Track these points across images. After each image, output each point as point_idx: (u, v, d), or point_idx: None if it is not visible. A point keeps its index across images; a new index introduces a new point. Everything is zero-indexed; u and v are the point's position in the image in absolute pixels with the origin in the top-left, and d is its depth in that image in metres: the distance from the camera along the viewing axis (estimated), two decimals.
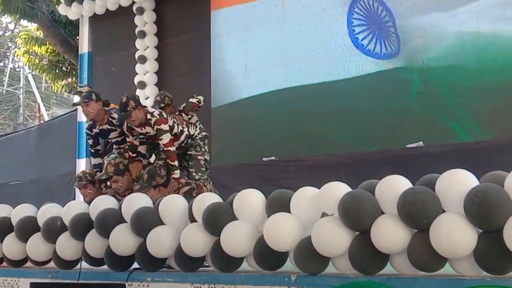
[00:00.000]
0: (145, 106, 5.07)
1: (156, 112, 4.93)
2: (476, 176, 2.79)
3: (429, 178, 2.90)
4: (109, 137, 5.18)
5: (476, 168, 2.92)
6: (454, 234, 2.65)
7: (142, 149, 5.15)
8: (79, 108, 9.16)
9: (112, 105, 5.30)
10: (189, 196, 4.49)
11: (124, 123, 4.96)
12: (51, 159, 10.00)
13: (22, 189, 10.18)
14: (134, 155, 5.09)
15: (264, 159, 7.02)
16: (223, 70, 7.61)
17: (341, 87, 6.62)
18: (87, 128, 5.23)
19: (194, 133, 5.21)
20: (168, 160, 4.89)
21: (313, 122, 6.77)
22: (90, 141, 5.24)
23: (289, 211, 3.20)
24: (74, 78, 12.76)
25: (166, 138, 4.89)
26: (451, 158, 5.44)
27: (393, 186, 2.88)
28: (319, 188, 3.18)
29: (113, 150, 5.37)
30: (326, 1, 6.90)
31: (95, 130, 5.16)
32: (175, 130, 5.02)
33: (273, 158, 6.99)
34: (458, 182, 2.74)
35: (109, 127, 5.11)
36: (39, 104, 23.04)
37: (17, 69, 28.20)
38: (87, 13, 9.12)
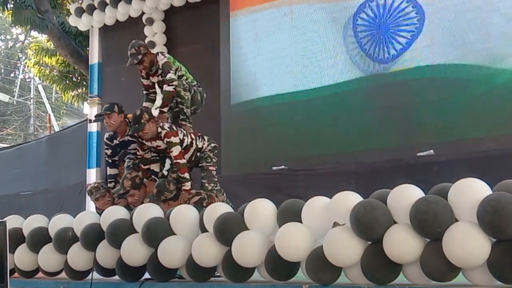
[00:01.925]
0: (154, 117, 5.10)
1: (166, 125, 4.96)
2: (487, 183, 2.77)
3: (442, 187, 2.88)
4: (129, 148, 5.21)
5: (487, 176, 2.90)
6: (467, 243, 2.63)
7: (155, 167, 5.17)
8: (89, 117, 9.34)
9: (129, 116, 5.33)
10: (200, 206, 4.50)
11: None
12: (62, 170, 10.05)
13: (33, 199, 10.22)
14: (146, 167, 5.11)
15: (274, 168, 7.02)
16: (233, 79, 7.63)
17: (351, 95, 6.62)
18: (106, 138, 5.26)
19: (202, 146, 5.21)
20: (178, 173, 4.92)
21: (323, 130, 6.76)
22: (108, 151, 5.26)
23: (300, 221, 3.19)
24: (84, 89, 12.82)
25: (176, 151, 4.92)
26: (462, 166, 5.41)
27: (406, 196, 2.86)
28: (330, 198, 3.17)
29: (126, 161, 5.38)
30: (334, 8, 6.91)
31: (115, 141, 5.19)
32: (185, 143, 5.05)
33: (283, 167, 6.98)
34: (471, 191, 2.72)
35: (130, 139, 5.15)
36: (49, 115, 23.15)
37: (27, 80, 28.40)
38: (97, 24, 9.19)
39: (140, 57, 5.21)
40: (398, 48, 6.32)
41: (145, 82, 5.47)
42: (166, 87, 5.25)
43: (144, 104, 5.52)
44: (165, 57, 5.32)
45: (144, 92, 5.55)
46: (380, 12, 6.50)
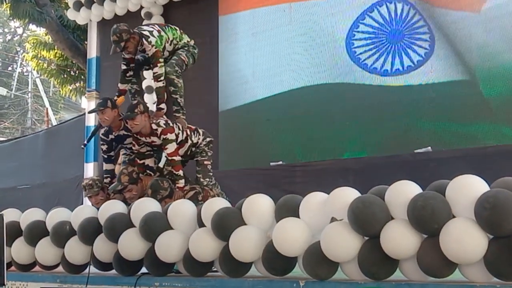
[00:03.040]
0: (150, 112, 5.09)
1: (162, 122, 4.92)
2: (485, 180, 2.78)
3: (439, 183, 2.89)
4: (125, 142, 5.20)
5: (485, 173, 2.91)
6: (464, 240, 2.63)
7: (150, 162, 5.16)
8: (87, 111, 9.33)
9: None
10: (195, 200, 4.50)
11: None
12: (59, 163, 10.03)
13: (31, 193, 10.21)
14: (142, 162, 5.11)
15: (272, 163, 7.02)
16: (231, 74, 7.62)
17: (348, 92, 6.62)
18: (102, 134, 5.24)
19: (197, 141, 5.20)
20: (172, 170, 4.91)
21: (320, 126, 6.76)
22: (104, 147, 5.24)
23: (298, 216, 3.19)
24: (82, 83, 12.81)
25: (171, 148, 4.90)
26: (459, 163, 5.42)
27: (403, 192, 2.87)
28: (327, 193, 3.17)
29: (121, 156, 5.38)
30: (333, 6, 6.89)
31: (111, 136, 5.18)
32: (180, 138, 5.03)
33: (280, 162, 6.98)
34: (468, 188, 2.73)
35: (125, 133, 5.13)
36: (47, 109, 23.11)
37: (25, 74, 28.36)
38: (96, 18, 9.15)
39: (123, 44, 5.12)
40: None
41: (128, 55, 5.33)
42: (156, 84, 5.21)
43: (119, 85, 5.43)
44: (152, 46, 5.16)
45: (123, 67, 5.41)
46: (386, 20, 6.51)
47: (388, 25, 6.45)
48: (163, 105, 5.22)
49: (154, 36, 5.20)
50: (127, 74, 5.44)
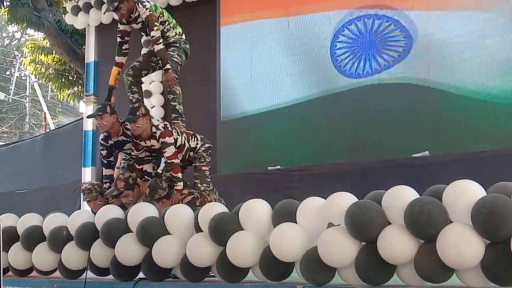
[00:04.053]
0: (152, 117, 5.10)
1: (161, 125, 4.93)
2: (482, 185, 2.78)
3: (436, 188, 2.89)
4: (124, 148, 5.19)
5: (482, 177, 2.91)
6: (461, 245, 2.64)
7: (148, 167, 5.15)
8: (85, 116, 9.33)
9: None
10: (193, 205, 4.50)
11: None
12: (57, 168, 10.02)
13: (28, 197, 10.19)
14: (141, 167, 5.10)
15: (270, 168, 7.02)
16: (229, 80, 7.63)
17: (346, 96, 6.63)
18: (102, 139, 5.23)
19: (195, 146, 5.19)
20: (171, 172, 4.91)
21: (318, 131, 6.77)
22: (104, 152, 5.23)
23: (295, 221, 3.19)
24: (80, 87, 12.80)
25: (170, 151, 4.89)
26: (457, 167, 5.43)
27: (400, 197, 2.87)
28: (325, 198, 3.17)
29: (121, 161, 5.37)
30: (331, 13, 6.92)
31: (110, 142, 5.17)
32: (179, 142, 5.03)
33: (278, 167, 6.99)
34: (465, 193, 2.73)
35: (124, 139, 5.13)
36: (45, 113, 23.10)
37: (23, 78, 28.34)
38: (94, 23, 9.16)
39: (116, 4, 5.19)
40: (390, 60, 6.39)
41: (122, 27, 5.42)
42: (156, 47, 5.27)
43: (116, 58, 5.52)
44: (146, 9, 5.24)
45: (118, 39, 5.48)
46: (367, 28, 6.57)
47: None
48: (168, 66, 5.27)
49: (149, 3, 5.33)
50: (123, 47, 5.53)
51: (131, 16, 5.33)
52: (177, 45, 5.54)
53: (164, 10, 5.54)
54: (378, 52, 6.47)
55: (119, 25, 5.46)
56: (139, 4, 5.25)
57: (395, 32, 6.45)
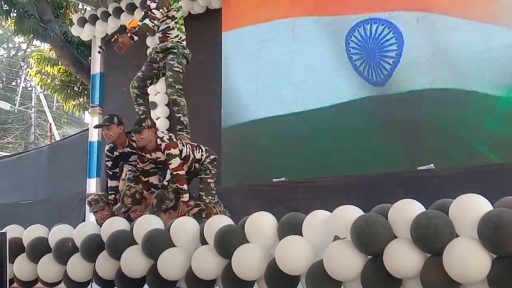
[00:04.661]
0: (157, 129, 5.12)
1: (166, 137, 4.95)
2: (489, 199, 2.77)
3: (443, 202, 2.89)
4: (130, 160, 5.20)
5: (488, 191, 2.91)
6: (468, 259, 2.63)
7: (154, 179, 5.17)
8: (90, 127, 9.37)
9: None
10: (199, 217, 4.50)
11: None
12: (62, 179, 10.03)
13: (33, 208, 10.19)
14: (147, 179, 5.11)
15: (274, 180, 7.00)
16: (234, 91, 7.63)
17: (352, 108, 6.61)
18: (107, 150, 5.25)
19: (201, 158, 5.20)
20: (177, 184, 4.91)
21: (323, 143, 6.74)
22: (109, 163, 5.25)
23: (301, 234, 3.19)
24: (85, 98, 12.84)
25: (175, 163, 4.91)
26: (462, 181, 5.39)
27: (406, 210, 2.87)
28: (330, 210, 3.17)
29: (126, 173, 5.38)
30: (336, 23, 6.91)
31: (115, 153, 5.18)
32: (184, 153, 5.04)
33: (283, 179, 6.97)
34: (472, 207, 2.73)
35: (130, 150, 5.14)
36: (50, 124, 23.17)
37: (29, 88, 28.44)
38: (100, 34, 9.20)
39: None
40: (389, 68, 6.37)
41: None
42: (147, 20, 5.46)
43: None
44: None
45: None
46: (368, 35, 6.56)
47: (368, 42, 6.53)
48: (136, 38, 5.50)
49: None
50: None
51: None
52: (175, 51, 5.61)
53: (182, 13, 5.75)
54: (379, 60, 6.45)
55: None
56: None
57: (391, 40, 6.42)
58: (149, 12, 5.45)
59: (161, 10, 5.41)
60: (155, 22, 5.43)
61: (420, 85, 6.19)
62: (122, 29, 5.66)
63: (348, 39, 6.72)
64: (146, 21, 5.45)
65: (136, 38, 5.43)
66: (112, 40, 5.75)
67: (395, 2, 6.45)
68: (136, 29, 5.46)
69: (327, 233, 3.08)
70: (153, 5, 5.49)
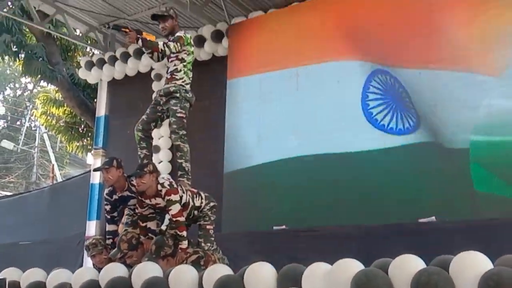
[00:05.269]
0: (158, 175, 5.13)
1: (166, 183, 4.96)
2: (491, 255, 2.77)
3: (443, 259, 2.88)
4: (129, 203, 5.20)
5: (489, 245, 2.91)
6: None
7: (152, 225, 5.15)
8: (92, 169, 9.38)
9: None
10: (197, 265, 4.47)
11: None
12: (62, 220, 10.00)
13: (32, 249, 10.13)
14: (145, 224, 5.10)
15: (275, 228, 6.98)
16: (237, 137, 7.68)
17: (353, 159, 6.63)
18: (106, 194, 5.25)
19: (200, 205, 5.21)
20: (176, 230, 4.90)
21: (324, 192, 6.74)
22: (108, 207, 5.25)
23: (300, 287, 3.17)
24: (89, 140, 12.92)
25: (175, 209, 4.90)
26: (464, 234, 5.36)
27: (407, 266, 2.86)
28: (330, 260, 3.16)
29: (125, 217, 5.38)
30: (341, 73, 7.00)
31: (115, 197, 5.19)
32: (184, 200, 5.05)
33: (284, 227, 6.94)
34: (472, 264, 2.72)
35: (129, 194, 5.15)
36: (53, 165, 23.22)
37: (33, 128, 28.60)
38: (106, 78, 9.33)
39: (166, 14, 5.85)
40: (407, 118, 6.40)
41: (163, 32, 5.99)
42: (160, 42, 5.65)
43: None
44: (184, 32, 5.85)
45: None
46: (391, 81, 6.60)
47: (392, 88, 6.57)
48: (149, 52, 5.88)
49: (184, 35, 5.87)
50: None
51: (169, 36, 5.84)
52: (177, 95, 5.69)
53: (192, 58, 6.01)
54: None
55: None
56: (181, 29, 5.91)
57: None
58: (165, 43, 5.65)
59: (174, 44, 5.64)
60: (166, 49, 5.60)
61: (422, 139, 6.23)
62: (138, 30, 5.82)
63: (368, 84, 6.79)
64: (160, 42, 5.63)
65: (141, 43, 5.56)
66: (122, 29, 5.96)
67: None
68: (148, 39, 5.60)
69: (327, 286, 3.06)
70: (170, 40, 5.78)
